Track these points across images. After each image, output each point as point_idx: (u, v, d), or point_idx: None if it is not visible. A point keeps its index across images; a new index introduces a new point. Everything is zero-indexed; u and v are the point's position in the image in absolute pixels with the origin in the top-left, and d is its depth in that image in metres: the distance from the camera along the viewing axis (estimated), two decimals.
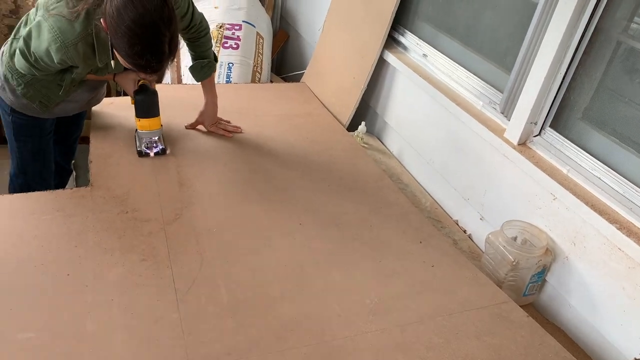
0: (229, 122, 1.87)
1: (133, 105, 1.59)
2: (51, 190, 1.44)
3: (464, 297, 1.28)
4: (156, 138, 1.61)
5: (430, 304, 1.25)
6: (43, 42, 1.31)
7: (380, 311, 1.20)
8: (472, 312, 1.24)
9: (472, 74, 1.77)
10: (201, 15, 1.63)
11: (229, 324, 1.11)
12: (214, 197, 1.52)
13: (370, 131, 2.26)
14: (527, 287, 1.45)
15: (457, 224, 1.79)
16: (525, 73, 1.50)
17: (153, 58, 1.24)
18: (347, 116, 2.11)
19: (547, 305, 1.47)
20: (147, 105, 1.56)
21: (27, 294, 1.09)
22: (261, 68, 2.45)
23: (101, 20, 1.25)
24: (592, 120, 1.39)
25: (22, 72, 1.41)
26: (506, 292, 1.36)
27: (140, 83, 1.59)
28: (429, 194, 1.91)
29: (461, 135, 1.74)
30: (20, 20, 1.46)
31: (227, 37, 2.40)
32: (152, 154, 1.61)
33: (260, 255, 1.32)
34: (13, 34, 1.46)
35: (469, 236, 1.74)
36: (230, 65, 2.33)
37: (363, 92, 2.09)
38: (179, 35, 1.33)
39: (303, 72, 2.50)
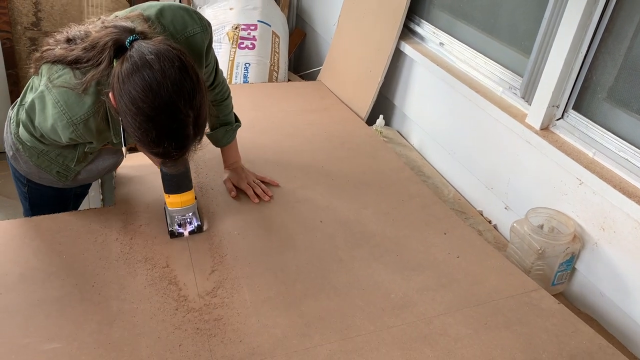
0: (264, 179, 1.58)
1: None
2: (77, 211, 1.43)
3: (492, 287, 1.26)
4: (190, 214, 1.35)
5: (456, 296, 1.22)
6: (48, 118, 1.10)
7: (405, 305, 1.19)
8: (500, 301, 1.21)
9: (490, 60, 1.74)
10: (222, 72, 1.43)
11: (253, 324, 1.11)
12: (233, 198, 1.52)
13: (389, 124, 2.25)
14: (556, 276, 1.42)
15: (482, 215, 1.75)
16: (545, 55, 1.46)
17: (173, 145, 1.00)
18: (365, 110, 2.09)
19: (578, 295, 1.43)
20: (176, 179, 1.30)
21: (53, 306, 1.11)
22: (278, 67, 2.45)
23: (109, 94, 1.02)
24: (618, 100, 1.34)
25: (29, 145, 1.23)
26: None
27: None
28: (452, 185, 1.88)
29: (482, 124, 1.70)
30: (27, 84, 1.24)
31: (242, 38, 2.41)
32: (186, 234, 1.34)
33: (282, 255, 1.32)
34: (20, 99, 1.26)
35: (494, 226, 1.70)
36: (247, 65, 2.34)
37: (380, 85, 2.07)
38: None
39: (320, 69, 2.50)
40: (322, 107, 2.14)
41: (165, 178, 1.29)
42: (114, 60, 1.02)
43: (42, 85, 1.10)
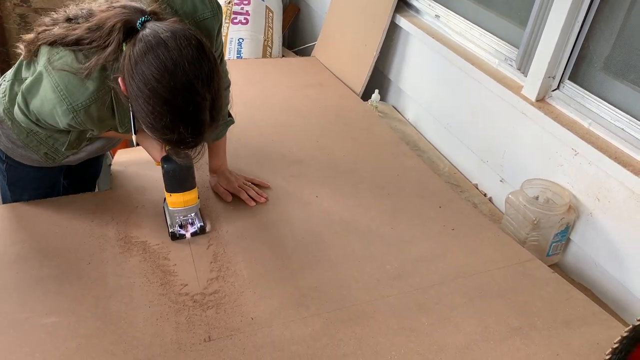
0: (253, 180, 1.47)
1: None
2: (73, 195, 1.39)
3: (487, 257, 1.26)
4: (193, 214, 1.26)
5: (452, 266, 1.23)
6: (46, 103, 1.02)
7: (401, 275, 1.20)
8: (495, 271, 1.22)
9: (486, 32, 1.72)
10: (226, 63, 1.34)
11: (249, 296, 1.11)
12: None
13: (384, 99, 2.23)
14: (551, 247, 1.42)
15: (477, 188, 1.76)
16: (541, 25, 1.45)
17: (189, 131, 0.93)
18: (360, 85, 2.07)
19: (573, 265, 1.44)
20: (179, 177, 1.18)
21: (51, 282, 1.10)
22: (272, 42, 2.43)
23: (119, 79, 0.96)
24: (614, 70, 1.33)
25: (23, 125, 1.13)
26: None
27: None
28: (447, 159, 1.88)
29: (478, 96, 1.69)
30: (18, 62, 1.15)
31: (235, 13, 2.38)
32: (188, 235, 1.26)
33: (278, 229, 1.32)
34: (14, 71, 1.14)
35: (489, 199, 1.71)
36: (241, 41, 2.32)
37: (375, 59, 2.05)
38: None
39: (315, 44, 2.47)
40: (317, 83, 2.12)
41: (166, 175, 1.18)
42: (124, 43, 0.95)
43: (40, 66, 1.02)
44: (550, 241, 1.41)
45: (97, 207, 1.33)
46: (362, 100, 2.05)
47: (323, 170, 1.57)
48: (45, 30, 1.02)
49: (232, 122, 1.39)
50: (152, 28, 0.92)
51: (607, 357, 0.86)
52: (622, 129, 1.29)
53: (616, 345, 0.85)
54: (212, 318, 1.06)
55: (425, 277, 1.20)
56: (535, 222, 1.37)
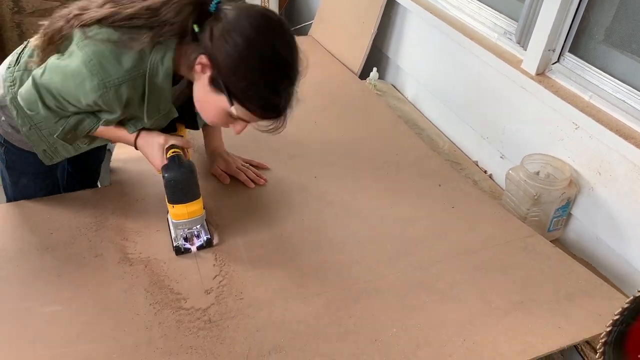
0: (251, 162, 1.47)
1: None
2: (72, 192, 1.34)
3: (487, 234, 1.26)
4: (198, 226, 1.17)
5: (452, 244, 1.23)
6: (73, 78, 0.98)
7: (401, 255, 1.19)
8: (496, 247, 1.22)
9: (484, 5, 1.69)
10: None
11: (249, 278, 1.11)
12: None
13: (382, 78, 2.21)
14: (552, 222, 1.42)
15: (477, 165, 1.74)
16: None
17: (291, 92, 1.00)
18: (358, 63, 2.05)
19: (574, 240, 1.43)
20: (182, 186, 1.09)
21: (52, 273, 1.10)
22: None
23: (199, 58, 0.95)
24: (615, 41, 1.31)
25: (29, 113, 1.09)
26: None
27: (170, 153, 1.11)
28: (447, 137, 1.86)
29: (477, 72, 1.67)
30: (23, 46, 1.15)
31: None
32: (194, 249, 1.17)
33: (277, 211, 1.31)
34: (25, 60, 1.12)
35: (490, 176, 1.70)
36: None
37: (373, 37, 2.02)
38: None
39: (311, 23, 2.43)
40: (313, 62, 2.05)
41: (168, 185, 1.09)
42: (195, 25, 0.95)
43: (73, 45, 0.99)
44: (551, 216, 1.40)
45: (97, 202, 1.29)
46: (359, 79, 2.02)
47: (321, 151, 1.56)
48: (79, 15, 0.99)
49: None
50: (228, 7, 0.95)
51: (608, 328, 0.86)
52: (623, 100, 1.27)
53: (617, 317, 0.85)
54: (212, 299, 1.06)
55: (426, 255, 1.19)
56: (536, 197, 1.36)
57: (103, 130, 1.12)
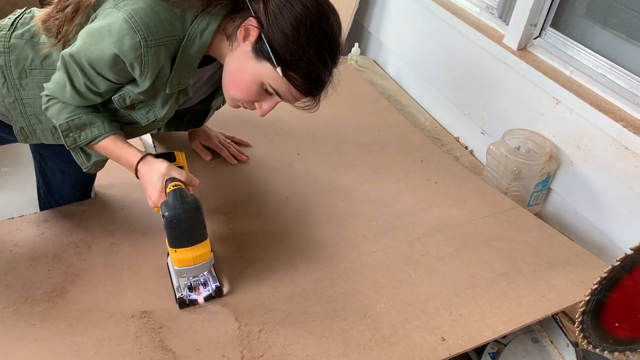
0: (233, 138, 1.44)
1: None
2: (58, 207, 1.24)
3: (470, 208, 1.27)
4: (205, 273, 1.01)
5: (436, 218, 1.24)
6: (110, 36, 0.88)
7: (386, 231, 1.20)
8: (479, 220, 1.23)
9: None
10: None
11: (237, 261, 1.10)
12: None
13: (364, 53, 2.19)
14: (532, 197, 1.44)
15: (458, 141, 1.75)
16: None
17: (331, 74, 0.97)
18: None
19: (553, 214, 1.46)
20: (185, 226, 0.93)
21: (42, 281, 1.04)
22: None
23: (247, 21, 0.91)
24: (596, 16, 1.32)
25: (16, 80, 1.01)
26: None
27: (172, 186, 0.95)
28: (429, 113, 1.87)
29: (459, 47, 1.67)
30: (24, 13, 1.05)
31: None
32: (201, 300, 1.01)
33: (261, 189, 1.30)
34: (19, 26, 1.02)
35: (471, 152, 1.71)
36: None
37: (355, 11, 1.99)
38: None
39: None
40: None
41: (169, 226, 0.92)
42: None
43: (108, 9, 0.91)
44: (531, 191, 1.42)
45: (83, 214, 1.21)
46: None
47: (304, 128, 1.54)
48: None
49: None
50: None
51: (587, 297, 0.88)
52: (604, 75, 1.29)
53: (595, 286, 0.87)
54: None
55: (410, 230, 1.20)
56: (516, 172, 1.38)
57: (106, 145, 1.00)
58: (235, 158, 1.38)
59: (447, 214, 1.26)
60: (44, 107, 1.00)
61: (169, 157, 1.05)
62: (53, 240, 1.12)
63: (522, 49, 1.47)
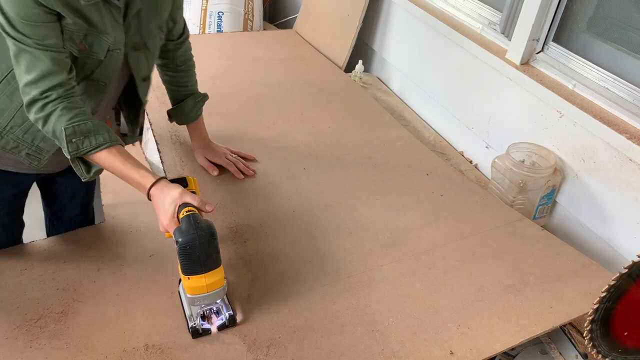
0: (239, 153, 1.44)
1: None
2: (70, 232, 1.23)
3: (476, 221, 1.27)
4: (219, 301, 0.98)
5: (442, 231, 1.24)
6: None
7: (393, 244, 1.20)
8: (485, 233, 1.23)
9: None
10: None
11: (244, 275, 1.10)
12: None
13: (368, 70, 2.21)
14: (537, 210, 1.44)
15: (463, 155, 1.76)
16: None
17: None
18: (343, 56, 2.04)
19: (559, 227, 1.46)
20: (200, 253, 0.91)
21: (49, 305, 1.03)
22: (253, 15, 2.37)
23: None
24: (598, 30, 1.33)
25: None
26: None
27: (185, 212, 0.93)
28: (432, 128, 1.88)
29: (462, 63, 1.68)
30: None
31: None
32: (214, 329, 0.98)
33: (268, 203, 1.31)
34: None
35: (475, 166, 1.72)
36: (220, 14, 2.25)
37: (358, 30, 2.02)
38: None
39: (296, 17, 2.42)
40: (296, 56, 2.08)
41: (182, 253, 0.90)
42: None
43: None
44: (536, 204, 1.43)
45: (92, 239, 1.21)
46: (344, 72, 2.02)
47: (309, 143, 1.55)
48: None
49: (207, 97, 1.38)
50: None
51: (595, 306, 0.87)
52: (607, 88, 1.30)
53: (604, 294, 0.86)
54: None
55: (417, 244, 1.20)
56: (521, 185, 1.39)
57: (111, 159, 0.97)
58: (243, 173, 1.39)
59: (453, 227, 1.26)
60: (38, 119, 0.95)
61: (181, 182, 1.04)
62: (62, 264, 1.12)
63: (525, 64, 1.48)
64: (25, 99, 0.94)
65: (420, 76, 1.91)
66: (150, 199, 0.98)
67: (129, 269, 1.11)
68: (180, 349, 0.95)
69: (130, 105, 1.24)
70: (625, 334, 0.87)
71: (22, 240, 1.29)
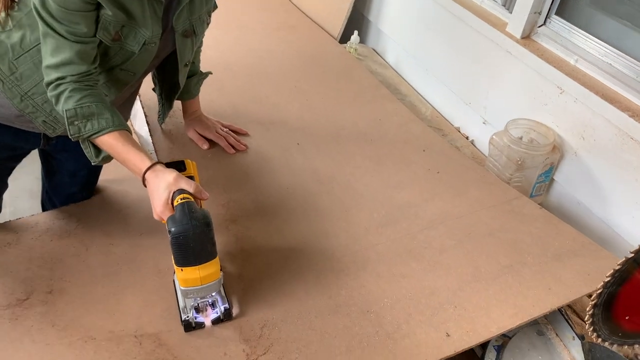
0: (231, 127, 1.41)
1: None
2: (59, 208, 1.20)
3: (474, 198, 1.25)
4: (214, 294, 0.93)
5: (439, 209, 1.22)
6: None
7: (389, 223, 1.17)
8: (482, 211, 1.21)
9: None
10: None
11: (236, 255, 1.07)
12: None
13: (363, 42, 2.15)
14: (534, 188, 1.42)
15: (459, 131, 1.73)
16: None
17: None
18: (338, 27, 1.98)
19: (555, 205, 1.45)
20: (194, 244, 0.86)
21: (39, 284, 1.00)
22: None
23: None
24: (602, 4, 1.29)
25: (13, 81, 0.97)
26: None
27: (180, 199, 0.88)
28: (429, 103, 1.84)
29: (461, 35, 1.63)
30: None
31: None
32: (208, 323, 0.94)
33: (260, 179, 1.27)
34: None
35: (472, 142, 1.69)
36: None
37: None
38: None
39: None
40: (290, 25, 2.01)
41: (175, 243, 0.85)
42: None
43: None
44: (534, 182, 1.41)
45: (82, 214, 1.17)
46: (339, 43, 1.96)
47: (302, 117, 1.51)
48: None
49: (208, 74, 1.35)
50: None
51: (599, 290, 0.86)
52: (610, 64, 1.26)
53: (608, 279, 0.85)
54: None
55: (413, 222, 1.18)
56: (519, 162, 1.36)
57: (113, 143, 0.94)
58: (234, 148, 1.35)
59: (450, 204, 1.23)
60: (52, 97, 0.94)
61: (178, 166, 1.00)
62: (50, 242, 1.09)
63: (526, 37, 1.44)
64: (45, 78, 0.94)
65: (417, 48, 1.86)
66: (145, 185, 0.93)
67: (118, 248, 1.08)
68: (170, 331, 0.92)
69: (166, 87, 1.25)
70: (627, 318, 0.86)
71: (2, 199, 1.25)
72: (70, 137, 0.95)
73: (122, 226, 1.14)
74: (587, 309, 0.87)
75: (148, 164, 0.93)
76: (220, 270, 0.91)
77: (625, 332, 0.87)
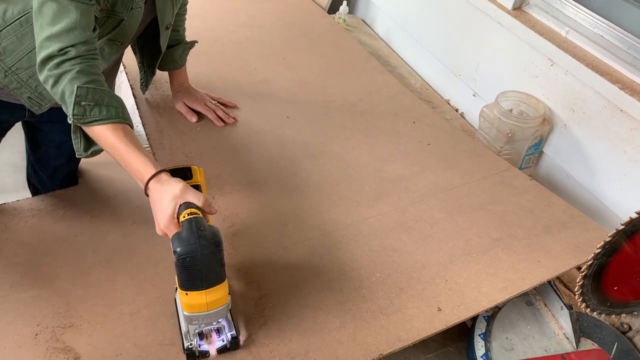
0: (219, 99, 1.38)
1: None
2: (48, 194, 1.16)
3: (464, 170, 1.25)
4: (221, 321, 0.85)
5: (430, 182, 1.22)
6: None
7: (379, 196, 1.17)
8: (473, 183, 1.22)
9: None
10: None
11: (226, 228, 1.06)
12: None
13: (352, 12, 2.11)
14: (524, 160, 1.43)
15: (449, 103, 1.72)
16: None
17: None
18: None
19: (544, 177, 1.46)
20: (201, 267, 0.77)
21: (28, 266, 0.99)
22: None
23: None
24: None
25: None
26: None
27: (186, 214, 0.80)
28: (419, 75, 1.82)
29: (451, 6, 1.61)
30: None
31: None
32: (213, 352, 0.85)
33: (250, 153, 1.25)
34: None
35: (461, 115, 1.68)
36: None
37: None
38: None
39: None
40: None
41: (181, 265, 0.77)
42: None
43: None
44: (523, 154, 1.41)
45: (71, 199, 1.15)
46: (327, 14, 1.92)
47: (292, 89, 1.48)
48: None
49: (195, 43, 1.32)
50: None
51: (589, 262, 0.87)
52: (601, 35, 1.25)
53: (598, 251, 0.86)
54: None
55: (404, 195, 1.18)
56: (509, 135, 1.36)
57: (114, 139, 0.85)
58: (223, 120, 1.32)
59: (441, 177, 1.23)
60: (50, 76, 0.85)
61: (184, 173, 0.92)
62: (39, 229, 1.06)
63: (517, 9, 1.42)
64: (42, 54, 0.84)
65: (407, 19, 1.83)
66: (147, 194, 0.85)
67: (110, 235, 1.06)
68: (166, 315, 0.90)
69: (148, 54, 1.21)
70: (615, 288, 0.87)
71: None
72: (70, 118, 0.86)
73: (112, 214, 1.11)
74: (577, 280, 0.89)
75: (153, 171, 0.83)
76: (228, 296, 0.82)
77: (614, 302, 0.89)
